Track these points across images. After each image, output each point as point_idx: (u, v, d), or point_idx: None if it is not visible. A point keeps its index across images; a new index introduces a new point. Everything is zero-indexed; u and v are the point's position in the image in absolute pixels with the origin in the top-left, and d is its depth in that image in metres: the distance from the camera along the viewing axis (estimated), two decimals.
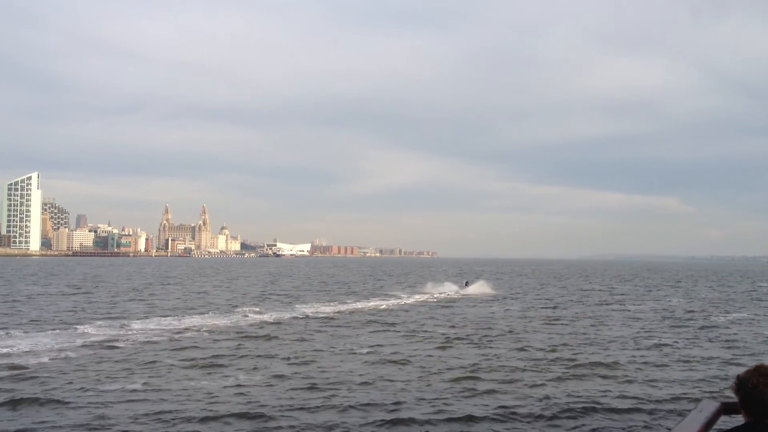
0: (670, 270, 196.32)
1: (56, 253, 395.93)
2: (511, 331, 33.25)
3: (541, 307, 49.57)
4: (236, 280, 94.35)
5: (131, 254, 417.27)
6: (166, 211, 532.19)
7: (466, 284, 72.75)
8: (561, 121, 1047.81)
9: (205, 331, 31.69)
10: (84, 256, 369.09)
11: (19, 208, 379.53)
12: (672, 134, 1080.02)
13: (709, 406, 4.55)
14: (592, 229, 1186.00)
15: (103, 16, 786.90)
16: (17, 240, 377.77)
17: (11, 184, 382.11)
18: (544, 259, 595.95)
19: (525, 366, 23.49)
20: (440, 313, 43.85)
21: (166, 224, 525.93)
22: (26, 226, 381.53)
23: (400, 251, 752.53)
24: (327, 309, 44.56)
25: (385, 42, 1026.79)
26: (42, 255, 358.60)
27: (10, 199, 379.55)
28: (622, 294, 69.11)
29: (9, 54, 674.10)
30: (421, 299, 56.90)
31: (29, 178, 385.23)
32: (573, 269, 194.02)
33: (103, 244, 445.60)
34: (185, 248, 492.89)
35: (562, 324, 37.62)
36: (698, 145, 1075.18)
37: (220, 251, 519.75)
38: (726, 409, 4.62)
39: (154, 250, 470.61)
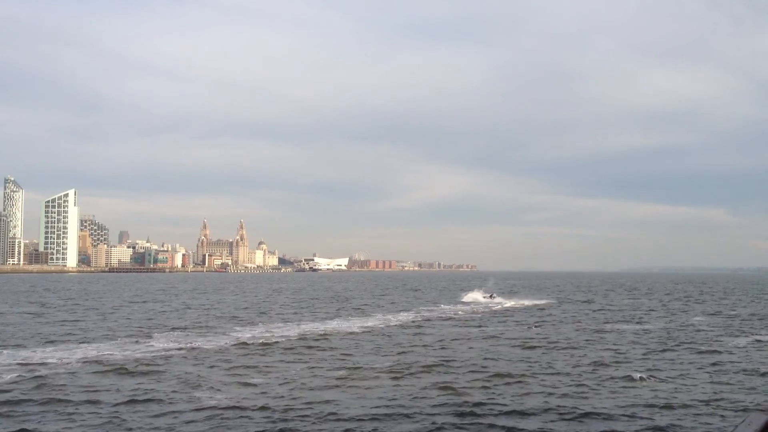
0: (712, 283, 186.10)
1: (94, 269, 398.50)
2: (448, 361, 26.93)
3: (534, 324, 43.06)
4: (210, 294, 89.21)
5: (167, 270, 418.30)
6: (204, 227, 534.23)
7: (491, 296, 75.51)
8: (602, 133, 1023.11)
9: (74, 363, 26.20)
10: (121, 272, 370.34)
11: (56, 225, 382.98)
12: (716, 144, 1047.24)
13: (758, 419, 4.37)
14: (636, 242, 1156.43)
15: (143, 37, 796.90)
16: (54, 256, 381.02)
17: (48, 202, 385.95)
18: (586, 272, 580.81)
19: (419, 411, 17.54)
20: (404, 335, 37.74)
21: (204, 240, 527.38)
22: (63, 243, 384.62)
23: (439, 265, 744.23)
24: (282, 332, 38.69)
25: (421, 56, 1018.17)
26: (79, 271, 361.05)
27: (47, 217, 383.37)
28: (640, 310, 61.80)
29: (52, 75, 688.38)
30: (410, 318, 50.72)
31: (66, 196, 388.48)
32: (611, 282, 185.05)
33: (140, 260, 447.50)
34: (222, 263, 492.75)
35: (537, 348, 31.19)
36: (743, 155, 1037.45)
37: (257, 266, 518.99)
38: None
39: (191, 266, 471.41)
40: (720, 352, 31.50)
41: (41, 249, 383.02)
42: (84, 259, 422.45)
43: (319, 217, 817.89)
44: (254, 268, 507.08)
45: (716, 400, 20.94)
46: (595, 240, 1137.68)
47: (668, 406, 19.70)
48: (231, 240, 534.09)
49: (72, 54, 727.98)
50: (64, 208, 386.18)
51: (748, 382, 23.85)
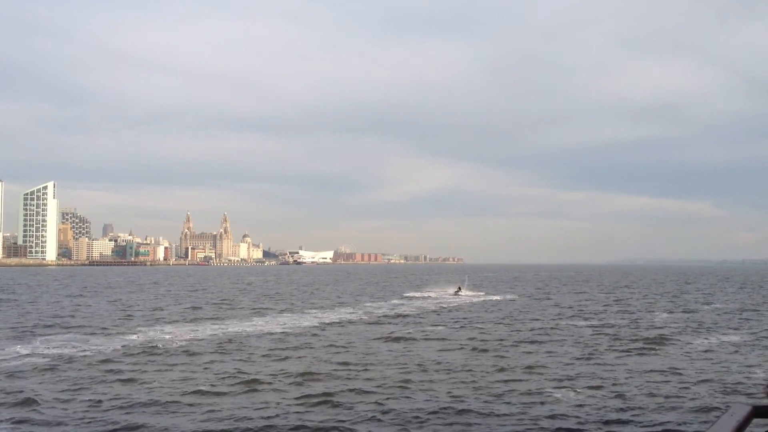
0: (694, 276, 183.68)
1: (74, 262, 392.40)
2: (350, 366, 23.20)
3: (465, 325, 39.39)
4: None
5: (149, 263, 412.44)
6: (188, 220, 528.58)
7: (458, 290, 73.21)
8: (588, 126, 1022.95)
9: None
10: (101, 265, 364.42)
11: (35, 217, 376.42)
12: (701, 137, 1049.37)
13: (741, 410, 4.40)
14: (621, 234, 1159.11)
15: (129, 29, 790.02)
16: (33, 250, 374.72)
17: (27, 194, 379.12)
18: (573, 265, 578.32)
19: None
20: (326, 336, 34.10)
21: (188, 233, 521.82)
22: (42, 236, 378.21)
23: (425, 258, 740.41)
24: (190, 334, 34.97)
25: (409, 49, 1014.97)
26: (58, 265, 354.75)
27: (26, 209, 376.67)
28: (607, 305, 58.38)
29: (36, 67, 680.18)
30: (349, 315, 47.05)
31: (45, 188, 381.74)
32: (592, 275, 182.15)
33: (121, 253, 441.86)
34: (205, 257, 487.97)
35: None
36: (728, 148, 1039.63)
37: (241, 259, 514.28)
38: (758, 412, 4.50)
39: (173, 259, 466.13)
40: (672, 354, 28.06)
41: (20, 242, 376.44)
42: (65, 252, 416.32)
43: (305, 210, 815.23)
44: (238, 261, 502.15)
45: (649, 411, 17.53)
46: (581, 232, 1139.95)
47: (593, 420, 16.28)
48: (215, 233, 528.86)
49: (56, 46, 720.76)
50: (42, 200, 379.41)
51: (692, 390, 20.37)
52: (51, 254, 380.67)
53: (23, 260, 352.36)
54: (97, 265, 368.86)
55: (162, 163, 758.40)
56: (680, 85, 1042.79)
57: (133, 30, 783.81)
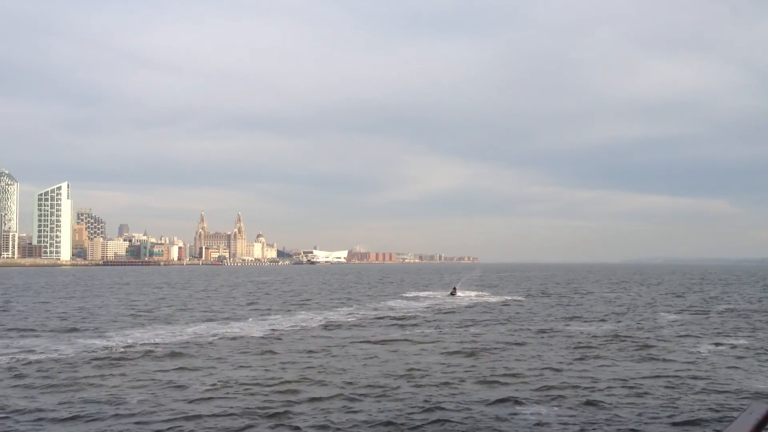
0: (709, 274, 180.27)
1: (88, 262, 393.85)
2: (316, 372, 21.42)
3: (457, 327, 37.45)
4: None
5: (163, 263, 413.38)
6: (202, 220, 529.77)
7: (453, 291, 72.81)
8: (601, 124, 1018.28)
9: None
10: (115, 265, 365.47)
11: (49, 218, 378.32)
12: (717, 135, 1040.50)
13: (760, 408, 4.32)
14: (638, 233, 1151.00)
15: (140, 30, 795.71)
16: (48, 250, 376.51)
17: (41, 195, 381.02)
18: (588, 264, 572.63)
19: None
20: (306, 339, 32.36)
21: (202, 233, 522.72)
22: (56, 236, 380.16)
23: (440, 257, 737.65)
24: (168, 337, 33.48)
25: (419, 48, 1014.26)
26: (72, 265, 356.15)
27: (40, 210, 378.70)
28: (612, 304, 56.22)
29: (48, 68, 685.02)
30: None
31: (59, 188, 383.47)
32: (605, 274, 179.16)
33: (136, 253, 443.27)
34: (219, 256, 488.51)
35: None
36: (744, 145, 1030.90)
37: (255, 259, 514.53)
38: None
39: (187, 258, 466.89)
40: (669, 360, 26.01)
41: (34, 242, 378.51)
42: (80, 252, 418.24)
43: (319, 210, 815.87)
44: (252, 260, 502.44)
45: (628, 423, 15.67)
46: (596, 231, 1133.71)
47: None
48: (229, 233, 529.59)
49: (67, 47, 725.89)
50: (57, 201, 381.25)
51: (682, 401, 18.40)
52: (65, 254, 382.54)
53: (38, 260, 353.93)
54: (111, 265, 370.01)
55: (175, 164, 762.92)
56: (696, 82, 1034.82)
57: (145, 31, 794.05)
